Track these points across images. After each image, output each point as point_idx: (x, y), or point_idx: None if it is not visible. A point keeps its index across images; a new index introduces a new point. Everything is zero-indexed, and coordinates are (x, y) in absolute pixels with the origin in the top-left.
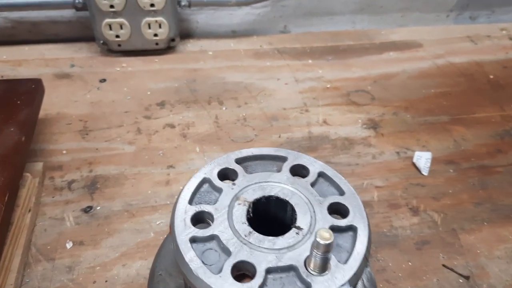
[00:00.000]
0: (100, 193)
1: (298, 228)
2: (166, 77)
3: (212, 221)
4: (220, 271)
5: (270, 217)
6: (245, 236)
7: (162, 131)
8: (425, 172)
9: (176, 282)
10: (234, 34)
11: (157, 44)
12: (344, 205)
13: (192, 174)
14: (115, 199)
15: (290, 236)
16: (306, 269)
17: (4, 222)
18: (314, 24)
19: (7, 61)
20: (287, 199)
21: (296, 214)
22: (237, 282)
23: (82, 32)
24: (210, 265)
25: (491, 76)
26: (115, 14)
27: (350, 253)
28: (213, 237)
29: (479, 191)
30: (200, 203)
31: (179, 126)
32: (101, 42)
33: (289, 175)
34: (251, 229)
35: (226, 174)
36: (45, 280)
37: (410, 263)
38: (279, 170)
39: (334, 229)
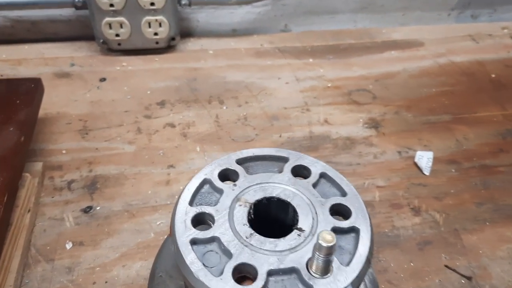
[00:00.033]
0: (100, 193)
1: (300, 229)
2: (167, 76)
3: (213, 222)
4: (221, 273)
5: (272, 218)
6: (246, 238)
7: (162, 131)
8: (426, 171)
9: (176, 284)
10: (234, 33)
11: (157, 43)
12: (346, 206)
13: (192, 174)
14: (115, 199)
15: (291, 238)
16: (308, 271)
17: (3, 223)
18: (315, 22)
19: (6, 60)
20: (288, 200)
21: (297, 216)
22: (238, 285)
23: (82, 31)
24: (211, 268)
25: (493, 75)
26: (115, 13)
27: (353, 255)
28: (214, 239)
29: (481, 191)
30: (201, 204)
31: (179, 126)
32: (101, 41)
33: (290, 176)
34: (252, 231)
35: (227, 175)
36: (44, 281)
37: (412, 264)
38: (280, 171)
39: (336, 230)
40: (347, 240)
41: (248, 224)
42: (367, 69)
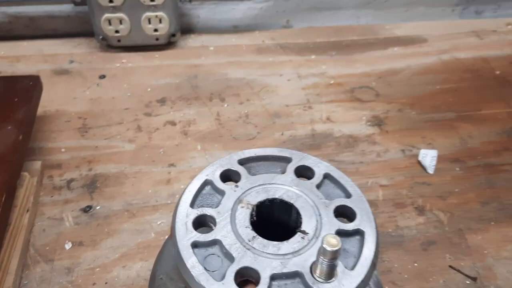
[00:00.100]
0: (100, 192)
1: (304, 232)
2: (167, 73)
3: (215, 225)
4: (223, 277)
5: (274, 220)
6: (249, 241)
7: (162, 129)
8: (430, 170)
9: (177, 287)
10: (235, 29)
11: (157, 39)
12: (350, 208)
13: (193, 173)
14: (115, 198)
15: (295, 241)
16: (312, 275)
17: (2, 223)
18: (317, 18)
19: (5, 57)
20: (291, 202)
21: (301, 218)
22: None
23: (81, 27)
24: (213, 271)
25: (498, 72)
26: (115, 9)
27: (358, 259)
28: (215, 242)
29: (486, 190)
30: (202, 206)
31: (180, 124)
32: (101, 37)
33: (293, 176)
34: (255, 234)
35: (228, 176)
36: (43, 282)
37: (416, 264)
38: (283, 172)
39: (341, 233)
40: (351, 243)
41: (250, 226)
42: (370, 66)
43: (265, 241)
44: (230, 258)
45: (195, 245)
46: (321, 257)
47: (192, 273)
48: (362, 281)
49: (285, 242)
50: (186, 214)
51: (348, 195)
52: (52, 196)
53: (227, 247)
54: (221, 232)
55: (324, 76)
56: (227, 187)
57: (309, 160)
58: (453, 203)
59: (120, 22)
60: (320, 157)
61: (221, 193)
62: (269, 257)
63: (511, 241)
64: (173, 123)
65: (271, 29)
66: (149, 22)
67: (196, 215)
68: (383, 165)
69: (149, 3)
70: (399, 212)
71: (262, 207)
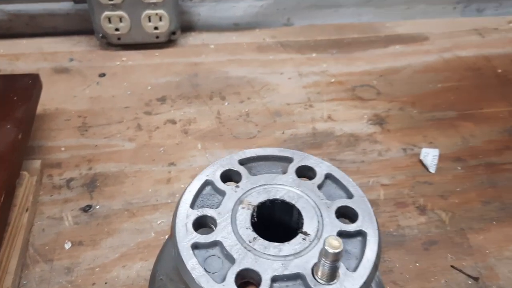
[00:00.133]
0: (100, 191)
1: (305, 233)
2: (167, 71)
3: (215, 226)
4: (223, 279)
5: (275, 221)
6: (250, 242)
7: (163, 127)
8: (432, 169)
9: None
10: (236, 27)
11: (157, 37)
12: (352, 209)
13: (193, 172)
14: (115, 197)
15: (296, 242)
16: (314, 277)
17: (1, 222)
18: (318, 16)
19: (4, 55)
20: (293, 202)
21: (302, 219)
22: None
23: (80, 25)
24: (213, 273)
25: (499, 70)
26: (115, 7)
27: (360, 260)
28: (216, 243)
29: (488, 189)
30: (202, 207)
31: (180, 122)
32: (100, 35)
33: (295, 177)
34: (256, 235)
35: (229, 176)
36: (43, 282)
37: (417, 264)
38: (284, 172)
39: (342, 234)
40: (353, 244)
41: (251, 227)
42: (371, 64)
43: (266, 242)
44: (231, 259)
45: (195, 246)
46: (323, 259)
47: (192, 275)
48: (364, 283)
49: (286, 244)
50: (186, 215)
51: (349, 196)
52: (51, 195)
53: (227, 248)
54: (221, 233)
55: (325, 74)
56: (227, 187)
57: (311, 160)
58: (454, 203)
59: (120, 20)
60: (321, 156)
61: (222, 193)
62: (270, 259)
63: None
64: (173, 122)
65: (271, 27)
66: (149, 20)
67: (197, 216)
68: (384, 164)
69: (149, 1)
70: (401, 211)
71: (263, 207)
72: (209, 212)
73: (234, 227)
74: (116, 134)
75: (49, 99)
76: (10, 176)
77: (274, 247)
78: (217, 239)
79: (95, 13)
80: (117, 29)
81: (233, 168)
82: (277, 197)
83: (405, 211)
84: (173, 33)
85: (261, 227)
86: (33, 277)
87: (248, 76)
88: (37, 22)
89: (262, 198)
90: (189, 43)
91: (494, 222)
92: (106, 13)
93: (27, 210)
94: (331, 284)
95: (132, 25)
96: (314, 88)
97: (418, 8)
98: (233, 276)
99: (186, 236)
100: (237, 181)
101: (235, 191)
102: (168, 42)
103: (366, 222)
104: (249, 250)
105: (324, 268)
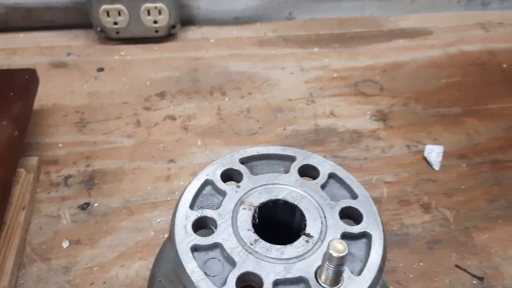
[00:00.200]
0: (98, 189)
1: (308, 235)
2: (167, 66)
3: (215, 227)
4: (224, 283)
5: (277, 223)
6: (251, 244)
7: (162, 123)
8: (436, 166)
9: None
10: (237, 21)
11: (157, 31)
12: (357, 209)
13: (193, 169)
14: (114, 195)
15: (299, 245)
16: (317, 281)
17: None
18: (320, 10)
19: (1, 49)
20: (295, 203)
21: (305, 220)
22: None
23: (78, 19)
24: (213, 277)
25: (505, 65)
26: (113, 0)
27: (364, 263)
28: (216, 245)
29: (493, 187)
30: (202, 208)
31: (180, 118)
32: (99, 29)
33: (297, 176)
34: (257, 237)
35: (230, 175)
36: (40, 281)
37: (421, 264)
38: (286, 171)
39: (347, 236)
40: (358, 246)
41: (252, 229)
42: (374, 59)
43: (268, 244)
44: (232, 262)
45: (195, 248)
46: (327, 263)
47: (192, 278)
48: (369, 287)
49: (288, 246)
50: (185, 216)
51: (354, 196)
52: (49, 193)
53: (228, 251)
54: (222, 235)
55: (328, 69)
56: (228, 187)
57: (314, 159)
58: (459, 201)
59: (119, 14)
60: (323, 153)
61: (222, 193)
62: (272, 262)
63: None
64: (173, 118)
65: (273, 20)
66: (149, 14)
67: (196, 217)
68: (387, 161)
69: None
70: (404, 210)
71: (264, 208)
72: (209, 213)
73: (235, 229)
74: (114, 130)
75: (46, 95)
76: (6, 173)
77: (276, 250)
78: (217, 241)
79: (93, 6)
80: (115, 23)
81: (234, 167)
82: (279, 197)
83: (409, 209)
84: (173, 27)
85: (262, 228)
86: (30, 276)
87: (249, 71)
88: (34, 16)
89: (264, 198)
90: (189, 37)
91: (499, 221)
92: (105, 6)
93: (24, 208)
94: None
95: (131, 18)
96: (316, 83)
97: (422, 2)
98: (234, 280)
99: (186, 238)
100: (238, 181)
101: (236, 191)
102: (167, 36)
103: (371, 224)
104: (250, 253)
105: (328, 272)
